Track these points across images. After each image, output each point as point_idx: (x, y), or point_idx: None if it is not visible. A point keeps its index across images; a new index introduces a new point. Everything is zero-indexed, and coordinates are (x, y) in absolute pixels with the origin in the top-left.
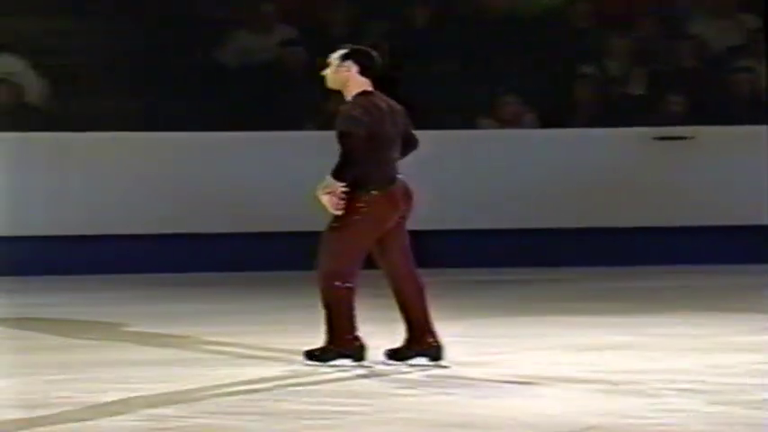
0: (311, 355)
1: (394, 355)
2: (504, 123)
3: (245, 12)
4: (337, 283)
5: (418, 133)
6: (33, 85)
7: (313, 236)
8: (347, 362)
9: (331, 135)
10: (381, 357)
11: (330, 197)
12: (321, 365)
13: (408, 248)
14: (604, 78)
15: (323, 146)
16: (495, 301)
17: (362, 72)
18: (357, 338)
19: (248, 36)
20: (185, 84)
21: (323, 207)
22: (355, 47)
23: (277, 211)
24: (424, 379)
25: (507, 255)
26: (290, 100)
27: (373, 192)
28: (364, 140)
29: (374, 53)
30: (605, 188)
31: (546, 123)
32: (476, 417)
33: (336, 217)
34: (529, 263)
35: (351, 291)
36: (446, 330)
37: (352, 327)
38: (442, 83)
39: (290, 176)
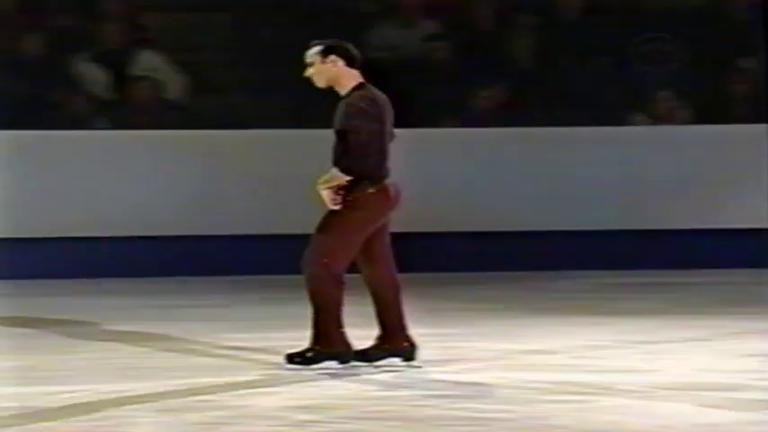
0: (293, 358)
1: (361, 356)
2: (658, 120)
3: (390, 6)
4: (328, 283)
5: (570, 130)
6: (173, 82)
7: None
8: (333, 364)
9: (474, 133)
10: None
11: (329, 192)
12: (305, 369)
13: (389, 248)
14: (763, 72)
15: (465, 144)
16: (643, 304)
17: (349, 64)
18: (344, 340)
19: (392, 31)
20: None
21: (322, 202)
22: (328, 42)
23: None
24: (557, 385)
25: (658, 256)
26: (432, 96)
27: (369, 188)
28: (369, 135)
29: (350, 45)
30: (763, 186)
31: (701, 119)
32: (625, 425)
33: (330, 213)
34: (686, 265)
35: (341, 290)
36: (579, 335)
37: (339, 328)
38: (593, 78)
39: (429, 174)
